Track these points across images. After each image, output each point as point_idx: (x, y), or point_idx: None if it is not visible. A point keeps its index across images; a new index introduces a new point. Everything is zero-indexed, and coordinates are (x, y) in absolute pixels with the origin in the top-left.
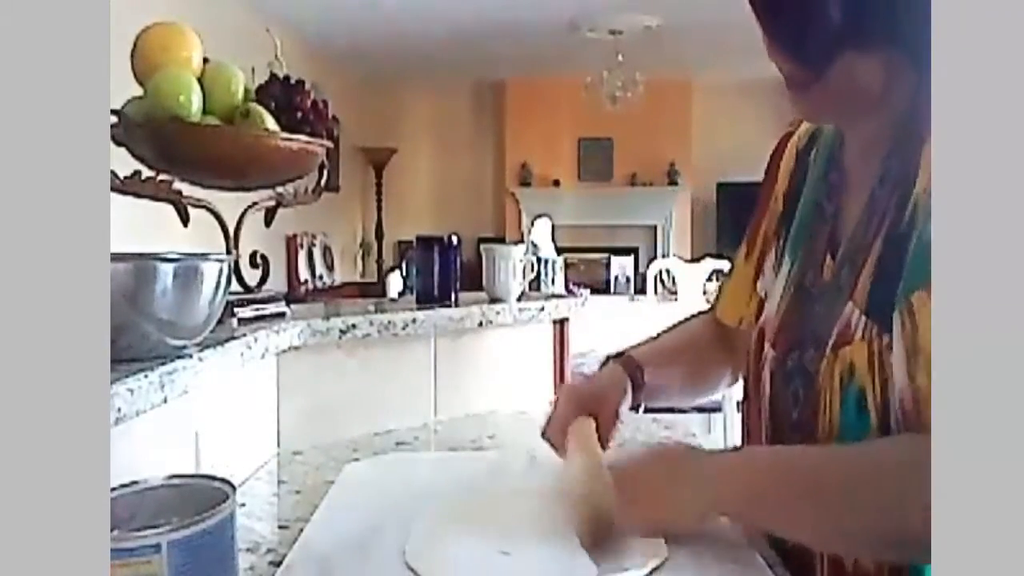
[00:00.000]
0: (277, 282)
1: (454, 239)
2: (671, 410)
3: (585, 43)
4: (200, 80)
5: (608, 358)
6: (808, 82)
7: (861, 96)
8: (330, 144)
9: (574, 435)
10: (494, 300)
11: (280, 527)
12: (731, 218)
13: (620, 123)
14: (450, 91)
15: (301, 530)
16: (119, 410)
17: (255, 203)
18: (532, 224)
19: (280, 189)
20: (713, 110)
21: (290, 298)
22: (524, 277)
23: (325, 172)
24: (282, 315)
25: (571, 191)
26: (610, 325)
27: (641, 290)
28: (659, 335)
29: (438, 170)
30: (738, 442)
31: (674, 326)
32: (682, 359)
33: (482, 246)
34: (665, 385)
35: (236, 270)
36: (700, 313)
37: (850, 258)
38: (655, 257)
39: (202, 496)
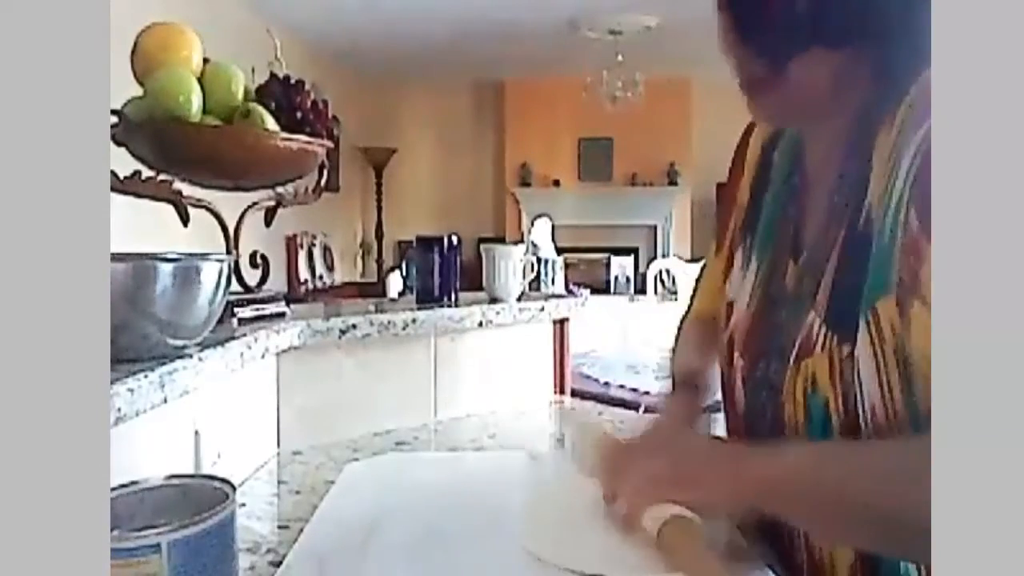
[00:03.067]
0: (277, 282)
1: (454, 239)
2: None
3: (585, 43)
4: (200, 80)
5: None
6: (766, 80)
7: (817, 98)
8: (330, 144)
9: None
10: (494, 300)
11: (280, 527)
12: None
13: (620, 123)
14: (450, 91)
15: (301, 530)
16: (119, 410)
17: (255, 203)
18: (532, 224)
19: (280, 189)
20: (713, 110)
21: (290, 298)
22: (524, 277)
23: (325, 172)
24: (282, 315)
25: (571, 191)
26: (610, 325)
27: (641, 290)
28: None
29: (438, 170)
30: None
31: (677, 343)
32: (708, 354)
33: (482, 246)
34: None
35: (236, 270)
36: (682, 320)
37: (811, 267)
38: (655, 257)
39: (202, 496)
